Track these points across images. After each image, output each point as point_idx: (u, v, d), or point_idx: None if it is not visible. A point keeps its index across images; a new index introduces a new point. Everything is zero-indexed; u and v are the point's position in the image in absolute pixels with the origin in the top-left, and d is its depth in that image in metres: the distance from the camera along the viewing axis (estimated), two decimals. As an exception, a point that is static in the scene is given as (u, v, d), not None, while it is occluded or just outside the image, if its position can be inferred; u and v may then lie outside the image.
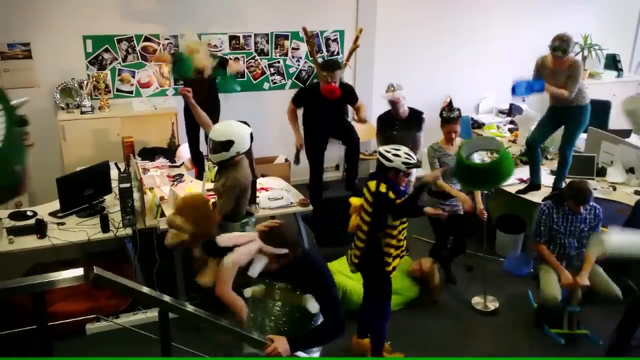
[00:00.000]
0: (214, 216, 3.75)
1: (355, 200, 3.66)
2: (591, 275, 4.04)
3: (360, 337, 3.95)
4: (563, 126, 4.94)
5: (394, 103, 4.75)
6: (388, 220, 3.49)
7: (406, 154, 3.46)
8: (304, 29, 5.21)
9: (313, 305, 2.68)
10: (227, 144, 3.61)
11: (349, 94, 5.20)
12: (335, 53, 6.62)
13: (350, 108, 5.53)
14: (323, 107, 5.14)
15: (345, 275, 4.42)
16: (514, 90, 4.70)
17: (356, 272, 3.77)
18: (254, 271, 2.59)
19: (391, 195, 3.41)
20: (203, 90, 4.98)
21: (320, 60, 5.51)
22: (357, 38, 5.18)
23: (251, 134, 3.78)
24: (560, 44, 4.54)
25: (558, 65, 4.63)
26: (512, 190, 5.14)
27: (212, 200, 3.98)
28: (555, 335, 4.16)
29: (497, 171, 3.84)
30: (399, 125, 4.82)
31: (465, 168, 3.88)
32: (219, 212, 3.76)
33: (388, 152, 3.46)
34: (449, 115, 4.40)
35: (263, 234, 2.65)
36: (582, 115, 4.80)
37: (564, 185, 4.93)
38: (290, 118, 5.32)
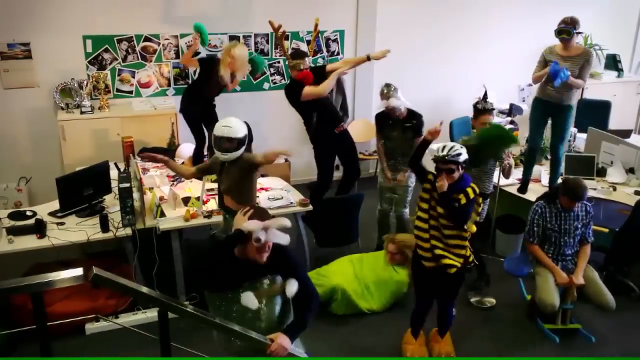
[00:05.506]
0: None
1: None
2: (587, 282, 4.03)
3: (442, 335, 4.00)
4: (552, 126, 5.02)
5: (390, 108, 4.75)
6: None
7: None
8: (270, 22, 5.23)
9: (291, 289, 2.68)
10: (244, 139, 3.66)
11: (318, 70, 5.20)
12: (335, 53, 6.62)
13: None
14: (320, 102, 5.10)
15: (342, 277, 4.44)
16: (554, 76, 4.55)
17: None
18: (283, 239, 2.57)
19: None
20: (219, 89, 5.26)
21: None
22: (316, 25, 5.37)
23: (251, 134, 3.78)
24: (565, 27, 4.57)
25: (567, 51, 4.66)
26: (512, 190, 5.15)
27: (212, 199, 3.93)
28: (549, 332, 4.17)
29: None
30: (394, 122, 4.80)
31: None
32: (237, 198, 3.78)
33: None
34: (484, 107, 4.39)
35: (255, 212, 2.64)
36: (570, 114, 4.90)
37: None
38: (327, 85, 5.04)
